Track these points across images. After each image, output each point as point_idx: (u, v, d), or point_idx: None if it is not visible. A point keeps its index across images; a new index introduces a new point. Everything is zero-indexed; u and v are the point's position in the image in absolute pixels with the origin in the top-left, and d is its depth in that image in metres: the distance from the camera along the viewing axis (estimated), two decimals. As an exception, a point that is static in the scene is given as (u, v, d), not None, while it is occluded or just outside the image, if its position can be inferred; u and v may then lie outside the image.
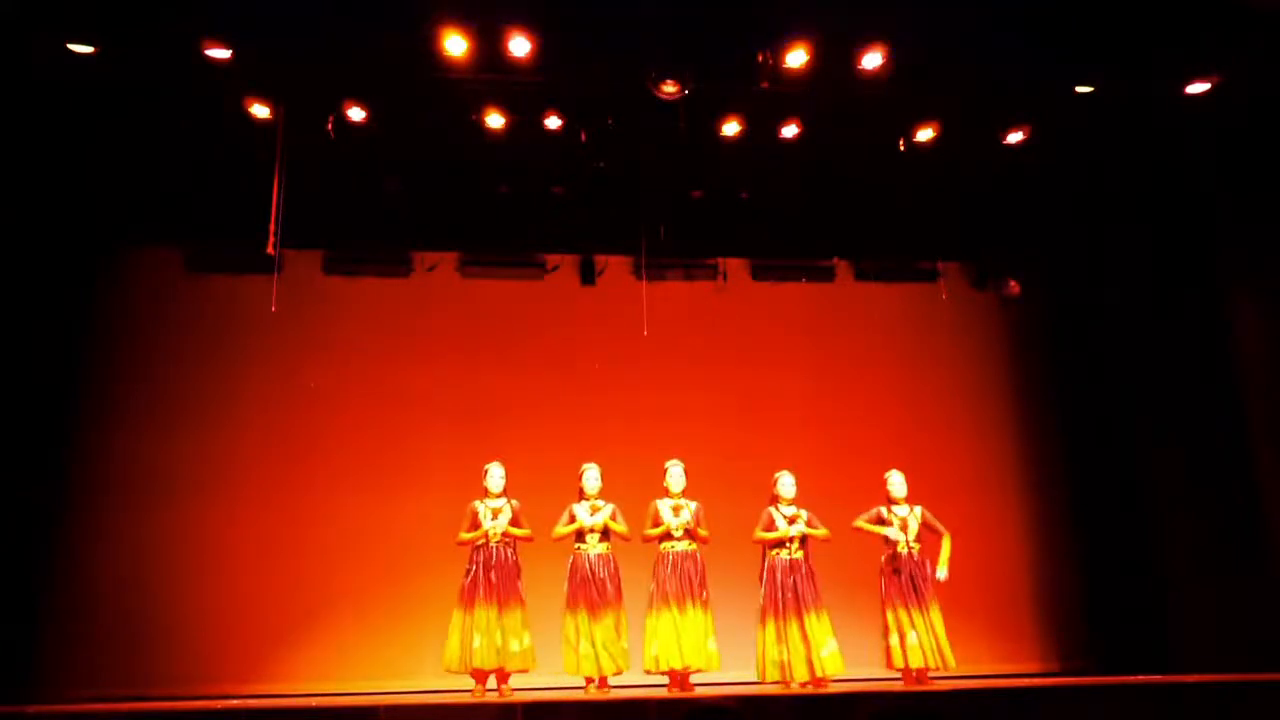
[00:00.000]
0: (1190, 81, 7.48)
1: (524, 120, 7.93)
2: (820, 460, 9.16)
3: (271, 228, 7.45)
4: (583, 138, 8.12)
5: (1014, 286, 9.53)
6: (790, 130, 8.11)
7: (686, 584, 6.62)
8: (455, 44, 7.01)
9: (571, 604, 6.64)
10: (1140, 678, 6.60)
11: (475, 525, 6.75)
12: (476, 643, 6.45)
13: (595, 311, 9.60)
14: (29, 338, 7.96)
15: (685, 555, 6.72)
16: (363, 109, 7.73)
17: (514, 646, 6.53)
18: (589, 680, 6.56)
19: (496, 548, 6.69)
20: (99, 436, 8.69)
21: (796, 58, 7.21)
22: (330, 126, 7.80)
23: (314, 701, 6.33)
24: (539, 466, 9.12)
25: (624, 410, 9.34)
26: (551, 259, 9.53)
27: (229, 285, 9.12)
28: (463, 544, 6.75)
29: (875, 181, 8.78)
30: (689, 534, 6.77)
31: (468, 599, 6.58)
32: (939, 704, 5.36)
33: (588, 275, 9.45)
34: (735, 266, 9.73)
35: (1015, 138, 8.20)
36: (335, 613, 8.64)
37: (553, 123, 7.90)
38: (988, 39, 7.21)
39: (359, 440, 9.05)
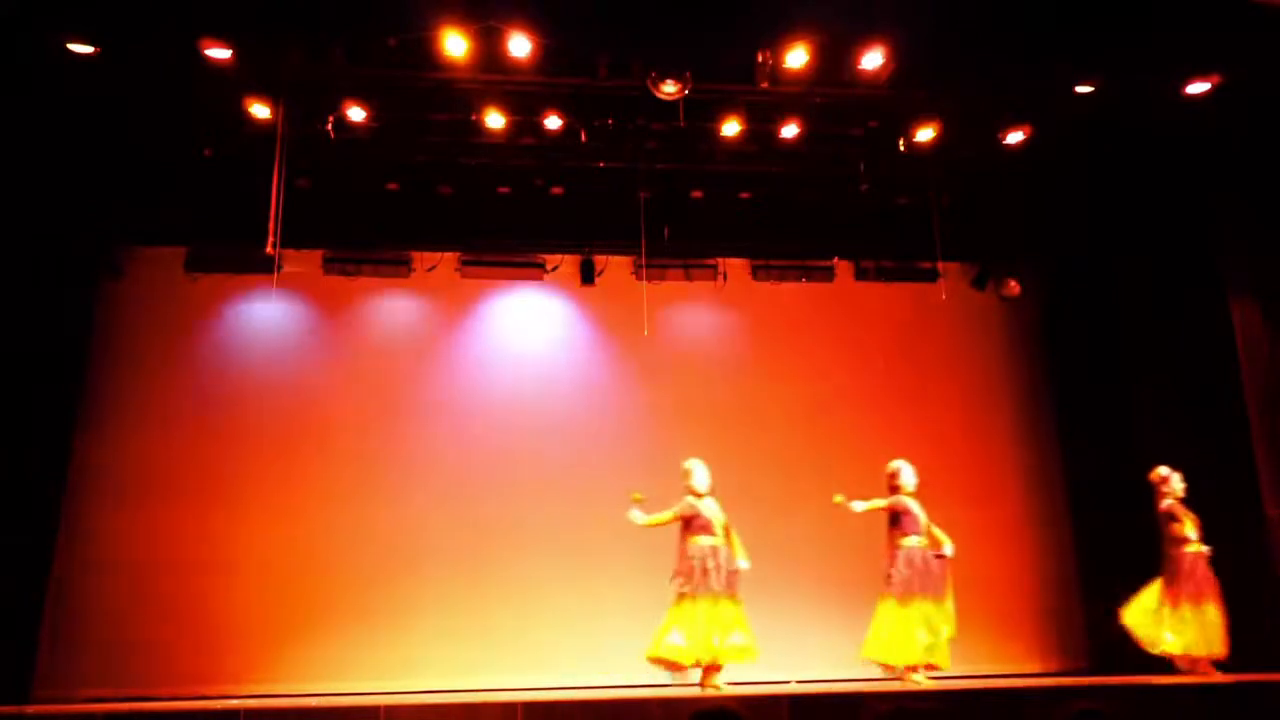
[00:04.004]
0: (1191, 81, 7.48)
1: (524, 120, 7.93)
2: (820, 460, 9.18)
3: (271, 227, 7.44)
4: (583, 138, 8.12)
5: (1014, 286, 9.53)
6: (790, 130, 8.12)
7: None
8: (455, 44, 7.01)
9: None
10: (1141, 678, 6.60)
11: (699, 525, 6.66)
12: (685, 638, 6.44)
13: (595, 311, 9.61)
14: (30, 338, 7.96)
15: None
16: (363, 109, 7.73)
17: (735, 640, 6.50)
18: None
19: (719, 547, 6.65)
20: (99, 436, 8.68)
21: (796, 58, 7.21)
22: (330, 126, 7.81)
23: (314, 701, 6.33)
24: (539, 466, 9.15)
25: (623, 410, 9.34)
26: (551, 259, 9.52)
27: (229, 285, 9.12)
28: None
29: (875, 181, 8.79)
30: None
31: (691, 594, 6.54)
32: (939, 704, 5.36)
33: (588, 275, 9.44)
34: (735, 266, 9.73)
35: (1015, 138, 8.20)
36: (335, 613, 8.63)
37: (553, 123, 7.90)
38: (988, 39, 7.21)
39: (359, 440, 9.04)
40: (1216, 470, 8.13)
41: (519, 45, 7.03)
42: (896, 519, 6.89)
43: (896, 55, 7.24)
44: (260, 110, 7.61)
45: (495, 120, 7.87)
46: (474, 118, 7.86)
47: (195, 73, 7.16)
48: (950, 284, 9.74)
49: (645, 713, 5.36)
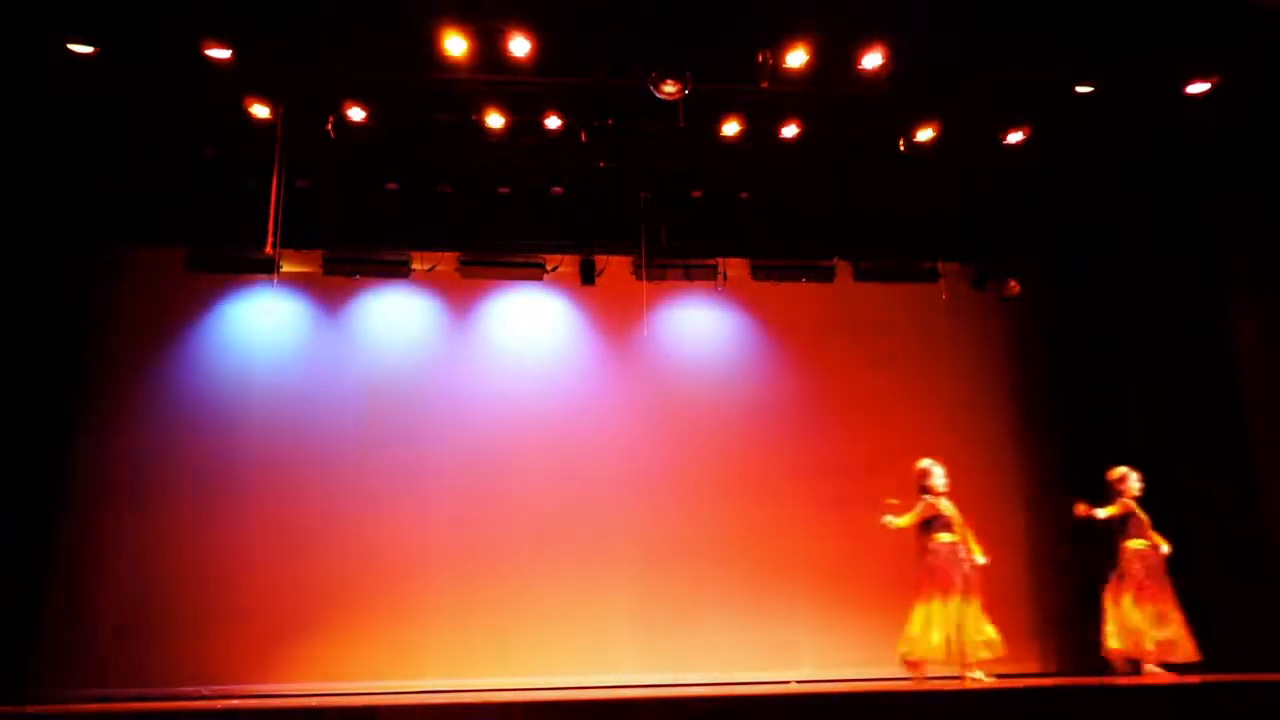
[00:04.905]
0: (1191, 81, 7.48)
1: (524, 120, 7.94)
2: (820, 460, 9.18)
3: (271, 227, 7.45)
4: (583, 138, 8.13)
5: (1014, 286, 9.53)
6: (790, 130, 8.12)
7: None
8: (455, 44, 7.01)
9: None
10: (1140, 678, 6.60)
11: (940, 524, 6.84)
12: (933, 635, 6.61)
13: (595, 311, 9.61)
14: (29, 338, 7.96)
15: None
16: (363, 109, 7.74)
17: (984, 634, 6.66)
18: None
19: (959, 544, 6.86)
20: (99, 436, 8.68)
21: (796, 58, 7.21)
22: (330, 126, 7.81)
23: (314, 701, 6.33)
24: (539, 466, 9.15)
25: (623, 409, 9.34)
26: (551, 259, 9.52)
27: (229, 285, 9.13)
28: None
29: (875, 181, 8.79)
30: None
31: (939, 593, 6.72)
32: (940, 704, 5.36)
33: (588, 275, 9.44)
34: (735, 266, 9.72)
35: (1015, 138, 8.20)
36: (336, 612, 8.63)
37: (553, 123, 7.91)
38: (988, 39, 7.22)
39: (359, 439, 9.03)
40: (1216, 471, 8.13)
41: (519, 45, 7.03)
42: (1125, 522, 7.18)
43: (896, 55, 7.24)
44: (260, 110, 7.61)
45: (495, 120, 7.87)
46: (474, 118, 7.86)
47: (195, 73, 7.17)
48: (950, 284, 9.74)
49: (645, 713, 5.35)
